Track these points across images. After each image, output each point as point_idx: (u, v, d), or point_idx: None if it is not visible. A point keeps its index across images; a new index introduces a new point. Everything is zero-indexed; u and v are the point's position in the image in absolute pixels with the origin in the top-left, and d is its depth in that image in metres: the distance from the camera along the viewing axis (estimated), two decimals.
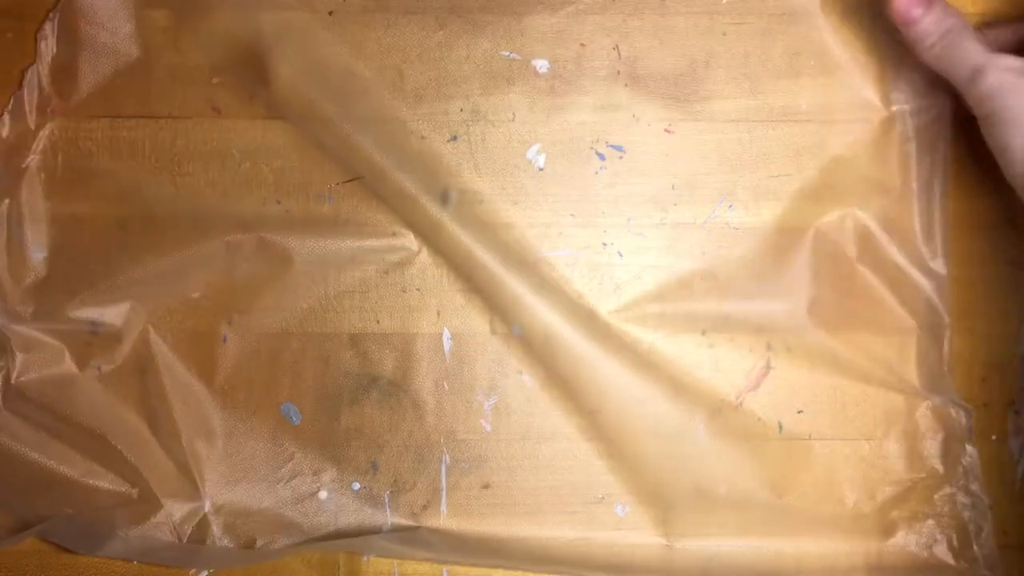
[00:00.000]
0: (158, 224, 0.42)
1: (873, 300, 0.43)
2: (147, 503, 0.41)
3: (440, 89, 0.43)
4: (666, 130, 0.43)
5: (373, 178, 0.42)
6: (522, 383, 0.43)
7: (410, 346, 0.43)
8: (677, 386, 0.42)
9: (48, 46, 0.42)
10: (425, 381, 0.43)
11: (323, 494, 0.42)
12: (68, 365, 0.42)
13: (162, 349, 0.42)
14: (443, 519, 0.42)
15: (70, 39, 0.42)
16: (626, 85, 0.43)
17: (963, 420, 0.42)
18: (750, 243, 0.43)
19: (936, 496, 0.42)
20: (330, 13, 0.43)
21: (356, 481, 0.42)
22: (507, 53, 0.43)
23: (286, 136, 0.43)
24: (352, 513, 0.42)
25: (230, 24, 0.42)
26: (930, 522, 0.42)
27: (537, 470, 0.43)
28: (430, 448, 0.43)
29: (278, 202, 0.43)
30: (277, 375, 0.42)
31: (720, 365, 0.43)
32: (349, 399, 0.43)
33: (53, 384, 0.41)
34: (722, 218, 0.43)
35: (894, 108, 0.43)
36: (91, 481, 0.41)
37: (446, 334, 0.43)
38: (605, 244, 0.43)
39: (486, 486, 0.43)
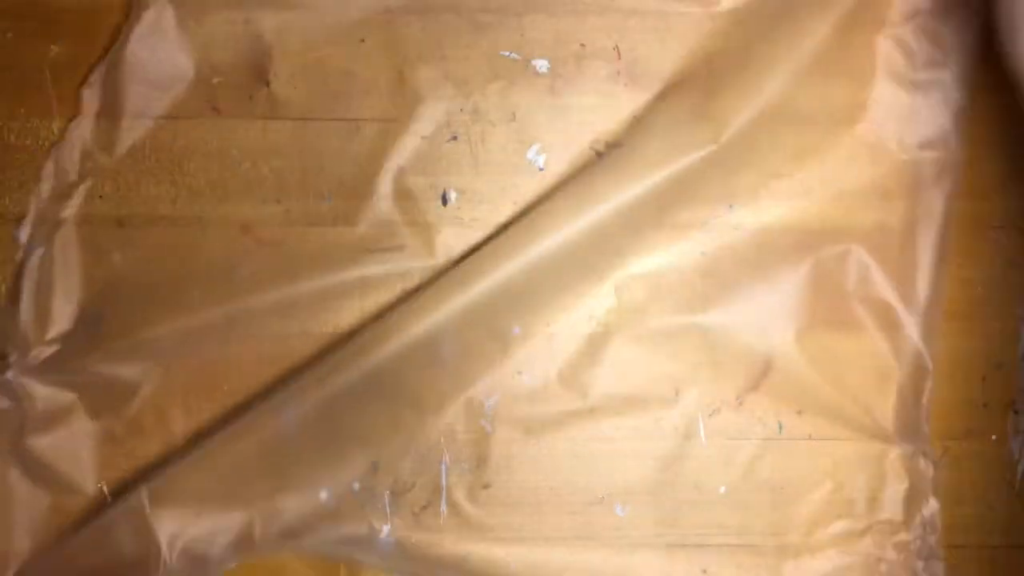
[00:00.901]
0: (158, 224, 0.42)
1: (862, 339, 0.43)
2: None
3: (440, 89, 0.43)
4: (666, 130, 0.43)
5: (373, 178, 0.42)
6: (522, 383, 0.43)
7: (410, 346, 0.43)
8: (678, 386, 0.43)
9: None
10: (425, 381, 0.43)
11: (323, 494, 0.42)
12: (82, 418, 0.42)
13: (160, 350, 0.42)
14: (443, 519, 0.42)
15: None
16: (626, 85, 0.43)
17: (929, 472, 0.42)
18: (750, 243, 0.43)
19: (891, 542, 0.42)
20: (330, 13, 0.43)
21: (356, 481, 0.42)
22: (507, 53, 0.43)
23: (286, 136, 0.43)
24: (352, 513, 0.42)
25: (230, 24, 0.42)
26: (883, 567, 0.42)
27: (537, 470, 0.43)
28: (430, 448, 0.43)
29: (278, 202, 0.43)
30: (277, 375, 0.42)
31: (720, 365, 0.43)
32: (349, 399, 0.42)
33: (63, 437, 0.41)
34: (722, 218, 0.43)
35: (908, 155, 0.43)
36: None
37: (447, 334, 0.43)
38: (605, 244, 0.43)
39: (486, 486, 0.43)
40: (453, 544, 0.42)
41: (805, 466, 0.43)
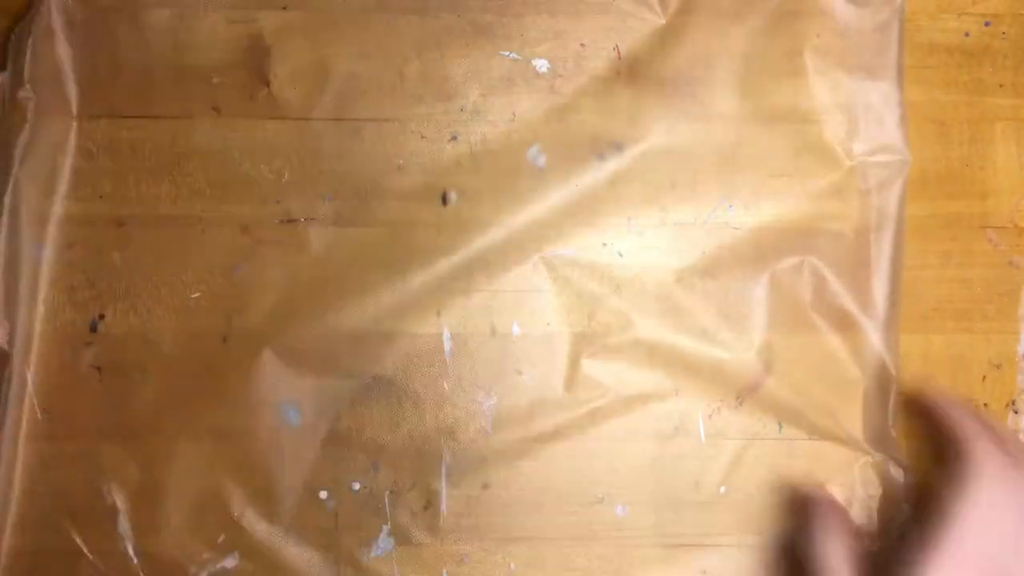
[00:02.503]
0: (158, 224, 0.42)
1: (823, 349, 0.43)
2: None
3: (440, 89, 0.43)
4: (666, 130, 0.43)
5: (373, 177, 0.42)
6: (522, 383, 0.43)
7: (410, 346, 0.43)
8: (677, 386, 0.43)
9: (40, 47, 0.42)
10: (425, 381, 0.43)
11: (323, 494, 0.42)
12: (66, 365, 0.42)
13: (160, 350, 0.42)
14: (443, 519, 0.42)
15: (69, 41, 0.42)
16: (626, 85, 0.43)
17: (901, 479, 0.42)
18: (750, 243, 0.43)
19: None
20: (330, 13, 0.43)
21: (356, 481, 0.42)
22: (507, 53, 0.43)
23: (286, 136, 0.43)
24: (352, 513, 0.42)
25: (230, 24, 0.42)
26: None
27: (537, 470, 0.43)
28: (430, 448, 0.43)
29: (278, 202, 0.43)
30: (277, 375, 0.42)
31: (720, 365, 0.43)
32: (349, 399, 0.42)
33: (51, 385, 0.41)
34: (722, 218, 0.43)
35: (855, 160, 0.43)
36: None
37: (446, 334, 0.43)
38: (605, 244, 0.43)
39: (486, 486, 0.43)
40: (453, 544, 0.42)
41: (806, 465, 0.43)
